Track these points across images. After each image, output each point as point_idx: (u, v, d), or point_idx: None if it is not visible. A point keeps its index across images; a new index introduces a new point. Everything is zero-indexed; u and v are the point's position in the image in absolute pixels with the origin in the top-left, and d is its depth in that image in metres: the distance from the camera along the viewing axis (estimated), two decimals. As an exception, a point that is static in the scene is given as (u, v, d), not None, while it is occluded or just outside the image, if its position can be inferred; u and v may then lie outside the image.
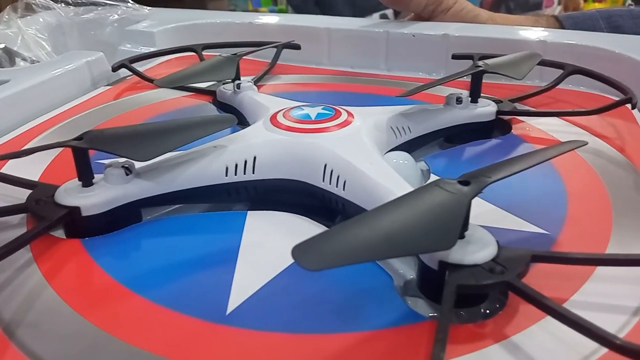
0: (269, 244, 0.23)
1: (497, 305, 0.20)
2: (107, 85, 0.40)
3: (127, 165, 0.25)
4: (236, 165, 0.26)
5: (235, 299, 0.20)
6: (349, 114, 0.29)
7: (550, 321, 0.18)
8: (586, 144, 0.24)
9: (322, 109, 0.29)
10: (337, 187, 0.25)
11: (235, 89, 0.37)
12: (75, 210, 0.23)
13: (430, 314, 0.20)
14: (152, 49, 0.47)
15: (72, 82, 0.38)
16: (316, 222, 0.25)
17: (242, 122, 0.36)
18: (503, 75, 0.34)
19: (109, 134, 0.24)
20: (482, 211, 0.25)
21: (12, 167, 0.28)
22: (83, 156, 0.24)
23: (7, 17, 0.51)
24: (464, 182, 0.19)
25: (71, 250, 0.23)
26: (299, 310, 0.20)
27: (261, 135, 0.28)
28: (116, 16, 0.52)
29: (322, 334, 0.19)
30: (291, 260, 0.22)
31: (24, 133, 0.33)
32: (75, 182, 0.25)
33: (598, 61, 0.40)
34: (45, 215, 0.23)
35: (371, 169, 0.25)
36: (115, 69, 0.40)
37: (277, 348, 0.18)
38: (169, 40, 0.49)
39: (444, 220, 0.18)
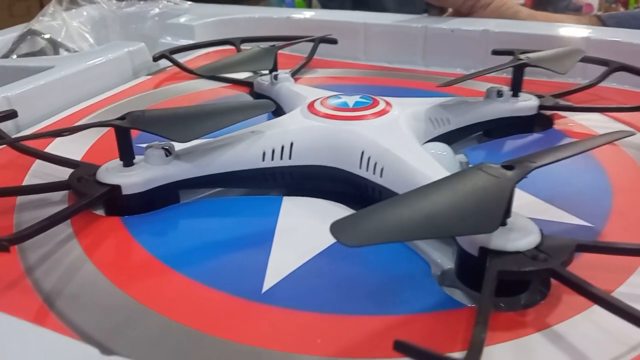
0: (304, 228, 0.23)
1: (538, 297, 0.19)
2: (148, 75, 0.41)
3: (167, 147, 0.25)
4: (273, 151, 0.26)
5: (271, 279, 0.20)
6: (387, 103, 0.29)
7: (594, 311, 0.18)
8: (634, 133, 0.23)
9: (360, 97, 0.29)
10: (374, 174, 0.25)
11: (273, 80, 0.37)
12: (116, 188, 0.24)
13: (469, 305, 0.19)
14: (191, 42, 0.48)
15: (114, 71, 0.39)
16: (352, 209, 0.25)
17: (279, 113, 0.36)
18: (545, 69, 0.33)
19: (151, 115, 0.25)
20: (524, 203, 0.24)
21: (56, 147, 0.29)
22: (125, 136, 0.24)
23: (52, 9, 0.53)
24: (508, 167, 0.19)
25: (111, 226, 0.23)
26: (334, 292, 0.19)
27: (298, 121, 0.28)
28: (157, 10, 0.52)
29: (357, 315, 0.18)
30: (327, 244, 0.22)
31: (66, 117, 0.33)
32: (117, 162, 0.25)
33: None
34: (86, 193, 0.23)
35: (410, 155, 0.24)
36: (156, 59, 0.41)
37: (312, 327, 0.18)
38: (208, 33, 0.49)
39: (486, 203, 0.17)
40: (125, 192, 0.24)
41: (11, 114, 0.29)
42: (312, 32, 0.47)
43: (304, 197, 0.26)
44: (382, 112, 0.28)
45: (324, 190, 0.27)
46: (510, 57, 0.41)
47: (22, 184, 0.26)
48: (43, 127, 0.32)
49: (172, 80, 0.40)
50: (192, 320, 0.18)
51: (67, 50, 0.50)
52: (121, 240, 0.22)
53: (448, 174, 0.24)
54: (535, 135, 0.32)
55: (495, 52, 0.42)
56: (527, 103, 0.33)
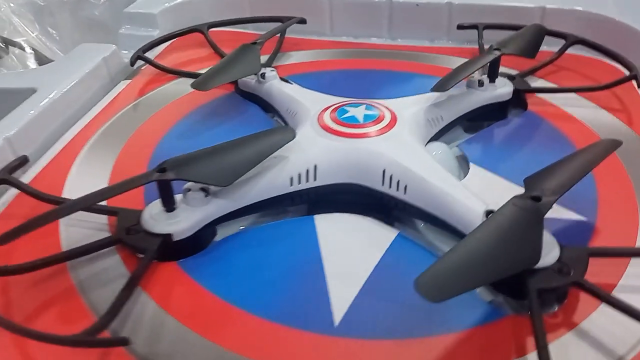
0: (345, 248, 0.26)
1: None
2: (126, 79, 0.40)
3: (204, 188, 0.26)
4: (299, 175, 0.28)
5: (338, 310, 0.23)
6: (391, 113, 0.31)
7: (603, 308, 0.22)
8: (621, 143, 0.27)
9: (366, 108, 0.31)
10: (397, 190, 0.28)
11: (260, 78, 0.38)
12: (168, 236, 0.25)
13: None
14: (154, 31, 0.46)
15: (95, 82, 0.38)
16: (378, 220, 0.28)
17: (267, 109, 0.37)
18: (518, 56, 0.36)
19: (188, 162, 0.26)
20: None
21: (71, 189, 0.29)
22: (168, 187, 0.25)
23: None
24: (536, 198, 0.22)
25: (172, 274, 0.25)
26: (397, 316, 0.23)
27: (317, 142, 0.29)
28: (106, -7, 0.50)
29: (423, 338, 0.22)
30: (372, 265, 0.25)
31: (69, 144, 0.33)
32: (156, 207, 0.26)
33: (597, 28, 0.42)
34: (141, 246, 0.25)
35: (429, 173, 0.27)
36: (133, 62, 0.40)
37: (388, 355, 0.21)
38: (171, 20, 0.48)
39: (529, 239, 0.21)
40: (176, 238, 0.25)
41: (23, 161, 0.29)
42: (278, 10, 0.47)
43: (333, 214, 0.28)
44: (390, 125, 0.30)
45: (346, 202, 0.29)
46: (474, 31, 0.44)
47: (60, 238, 0.27)
48: (49, 160, 0.31)
49: (153, 82, 0.40)
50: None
51: (21, 47, 0.47)
52: (188, 287, 0.24)
53: (462, 187, 0.27)
54: (517, 121, 0.35)
55: (460, 27, 0.44)
56: (504, 89, 0.36)
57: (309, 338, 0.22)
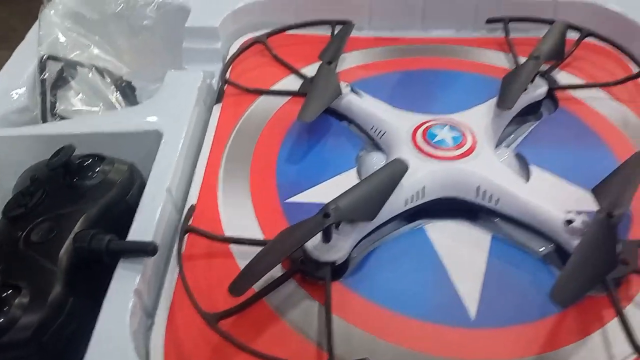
0: (457, 252, 0.35)
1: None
2: (216, 103, 0.45)
3: (351, 219, 0.34)
4: (412, 196, 0.36)
5: (471, 305, 0.32)
6: (470, 132, 0.39)
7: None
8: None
9: (450, 129, 0.39)
10: (489, 202, 0.36)
11: (337, 94, 0.44)
12: (332, 263, 0.33)
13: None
14: (216, 44, 0.50)
15: (198, 111, 0.43)
16: (470, 224, 0.36)
17: (342, 118, 0.44)
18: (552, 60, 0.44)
19: (342, 205, 0.33)
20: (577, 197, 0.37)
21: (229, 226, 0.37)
22: (330, 226, 0.33)
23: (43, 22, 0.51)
24: (610, 215, 0.31)
25: (340, 292, 0.33)
26: (519, 304, 0.32)
27: (422, 167, 0.37)
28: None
29: (542, 319, 0.31)
30: (483, 264, 0.34)
31: (204, 181, 0.39)
32: (315, 239, 0.34)
33: (604, 20, 0.49)
34: (318, 274, 0.33)
35: (515, 187, 0.36)
36: (222, 90, 0.45)
37: (523, 337, 0.30)
38: (231, 31, 0.52)
39: (611, 249, 0.30)
40: (337, 263, 0.33)
41: (193, 210, 0.36)
42: (318, 10, 0.52)
43: (440, 221, 0.37)
44: (474, 145, 0.38)
45: (437, 210, 0.38)
46: (500, 24, 0.51)
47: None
48: (196, 200, 0.38)
49: (240, 104, 0.45)
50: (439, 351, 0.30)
51: (87, 66, 0.50)
52: (355, 300, 0.32)
53: (544, 198, 0.35)
54: (554, 120, 0.43)
55: (489, 21, 0.51)
56: (541, 89, 0.44)
57: (456, 332, 0.31)
